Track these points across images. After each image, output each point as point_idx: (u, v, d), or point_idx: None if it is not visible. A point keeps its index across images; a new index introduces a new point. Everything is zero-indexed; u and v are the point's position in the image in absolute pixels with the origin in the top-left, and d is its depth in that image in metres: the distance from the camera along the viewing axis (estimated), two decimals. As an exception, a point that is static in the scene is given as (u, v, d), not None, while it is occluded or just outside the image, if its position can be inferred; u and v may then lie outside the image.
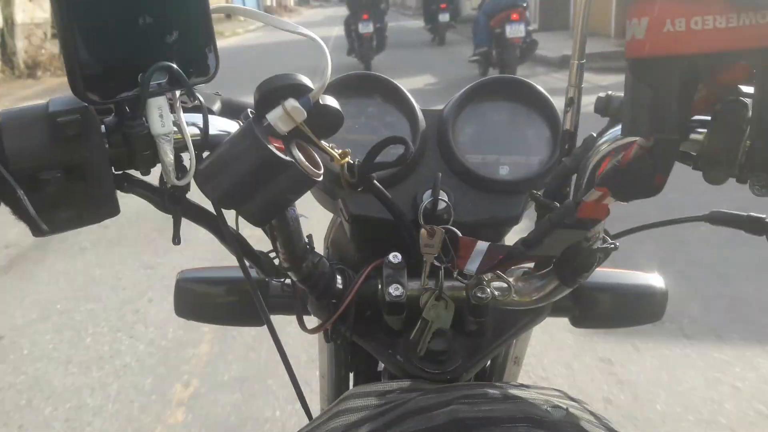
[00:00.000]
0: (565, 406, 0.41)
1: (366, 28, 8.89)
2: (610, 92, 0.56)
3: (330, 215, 0.81)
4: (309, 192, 0.66)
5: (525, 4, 7.19)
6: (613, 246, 0.57)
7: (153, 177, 0.48)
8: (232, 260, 0.58)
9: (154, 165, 0.45)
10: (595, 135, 0.55)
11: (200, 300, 0.77)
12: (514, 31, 6.96)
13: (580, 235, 0.53)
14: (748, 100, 0.42)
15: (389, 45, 9.94)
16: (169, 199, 0.47)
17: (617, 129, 0.54)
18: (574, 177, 0.58)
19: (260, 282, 0.76)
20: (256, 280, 0.76)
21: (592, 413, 0.42)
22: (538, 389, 0.45)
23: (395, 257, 0.62)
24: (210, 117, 0.48)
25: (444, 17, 10.58)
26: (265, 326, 0.77)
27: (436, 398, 0.41)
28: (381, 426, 0.40)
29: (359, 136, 0.68)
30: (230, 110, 0.55)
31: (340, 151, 0.52)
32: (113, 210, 0.45)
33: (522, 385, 0.46)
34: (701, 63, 0.38)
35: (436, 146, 0.68)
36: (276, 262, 0.60)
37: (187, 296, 0.77)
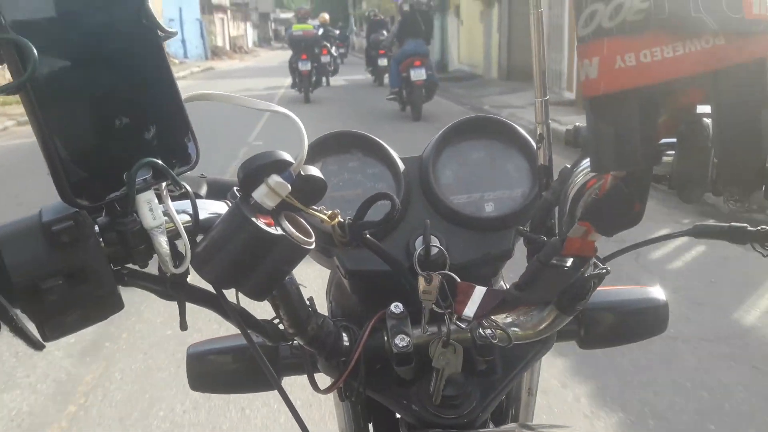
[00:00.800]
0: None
1: (305, 66, 10.98)
2: (577, 124, 0.58)
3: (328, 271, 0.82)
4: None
5: (426, 53, 9.10)
6: (605, 271, 0.58)
7: (152, 266, 0.49)
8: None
9: (150, 257, 0.46)
10: (569, 166, 0.57)
11: (213, 372, 0.78)
12: (417, 74, 8.64)
13: (571, 276, 0.53)
14: (708, 120, 0.44)
15: (335, 84, 13.04)
16: (171, 287, 0.48)
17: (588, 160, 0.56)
18: (557, 210, 0.59)
19: (269, 347, 0.76)
20: (266, 346, 0.77)
21: None
22: (555, 427, 0.46)
23: (396, 307, 0.63)
24: (198, 201, 0.49)
25: (382, 62, 12.24)
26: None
27: None
28: None
29: (345, 193, 0.70)
30: (217, 190, 0.56)
31: (329, 212, 0.54)
32: (117, 305, 0.46)
33: (540, 425, 0.47)
34: (656, 92, 0.40)
35: (421, 191, 0.70)
36: (281, 327, 0.61)
37: (200, 369, 0.77)
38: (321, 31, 12.65)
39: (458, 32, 15.56)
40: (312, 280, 0.61)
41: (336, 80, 14.32)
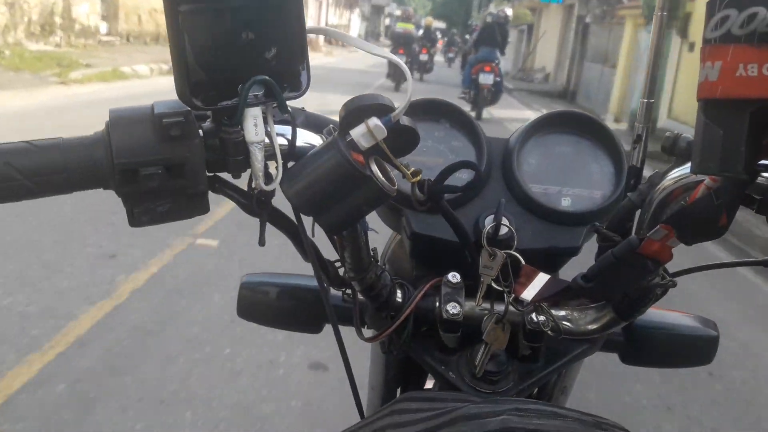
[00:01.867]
0: (618, 427, 0.42)
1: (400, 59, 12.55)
2: (677, 132, 0.58)
3: (386, 237, 0.84)
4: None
5: (497, 62, 10.13)
6: (671, 283, 0.58)
7: (241, 183, 0.52)
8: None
9: (244, 170, 0.49)
10: (661, 173, 0.57)
11: (261, 304, 0.81)
12: (485, 79, 9.78)
13: (641, 276, 0.53)
14: None
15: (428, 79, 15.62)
16: (257, 203, 0.50)
17: (683, 168, 0.55)
18: (638, 213, 0.59)
19: (318, 293, 0.79)
20: (316, 289, 0.79)
21: None
22: (589, 415, 0.47)
23: (454, 277, 0.64)
24: (296, 130, 0.51)
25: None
26: (320, 334, 0.80)
27: (488, 408, 0.42)
28: (432, 427, 0.42)
29: (426, 159, 0.71)
30: (313, 124, 0.58)
31: (412, 169, 0.55)
32: (204, 208, 0.49)
33: (572, 409, 0.48)
34: None
35: (500, 174, 0.71)
36: (341, 272, 0.63)
37: (250, 299, 0.81)
38: (421, 32, 14.89)
39: (678, 62, 9.58)
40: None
41: (430, 77, 16.40)
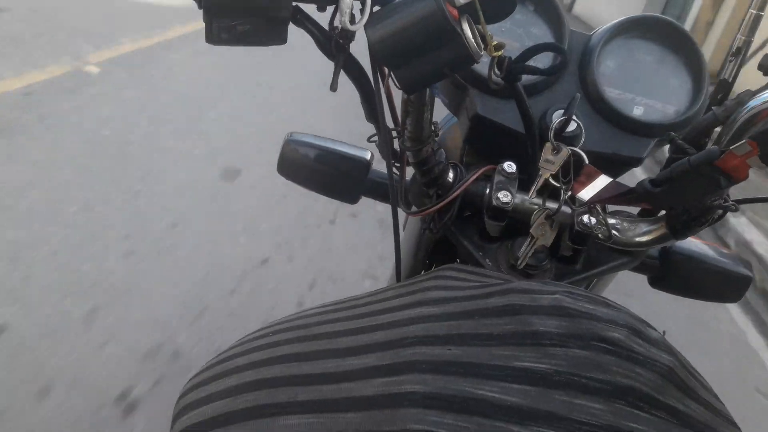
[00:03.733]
0: (662, 332, 0.42)
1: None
2: None
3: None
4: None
5: None
6: (733, 207, 0.56)
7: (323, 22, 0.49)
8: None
9: (331, 3, 0.46)
10: (752, 91, 0.54)
11: (302, 165, 0.80)
12: None
13: (712, 189, 0.52)
14: None
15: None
16: (335, 45, 0.48)
17: None
18: (716, 132, 0.57)
19: (364, 162, 0.78)
20: (363, 160, 0.78)
21: (682, 355, 0.43)
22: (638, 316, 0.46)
23: (510, 166, 0.63)
24: None
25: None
26: (354, 205, 0.80)
27: (540, 286, 0.42)
28: (483, 293, 0.41)
29: (503, 40, 0.67)
30: None
31: (496, 41, 0.52)
32: (282, 38, 0.47)
33: (619, 304, 0.47)
34: None
35: (576, 70, 0.68)
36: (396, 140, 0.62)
37: (292, 157, 0.80)
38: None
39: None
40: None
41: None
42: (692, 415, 0.35)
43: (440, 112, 0.82)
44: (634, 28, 0.68)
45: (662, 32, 0.68)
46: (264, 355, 0.43)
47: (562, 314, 0.38)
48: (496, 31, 0.68)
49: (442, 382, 0.34)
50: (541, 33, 0.68)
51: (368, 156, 0.78)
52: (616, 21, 0.68)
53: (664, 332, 0.41)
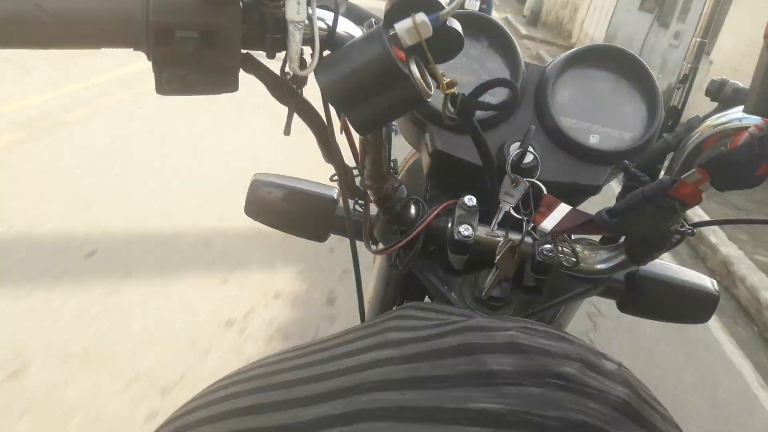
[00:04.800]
0: (617, 364, 0.42)
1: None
2: (724, 77, 0.56)
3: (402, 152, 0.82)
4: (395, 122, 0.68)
5: None
6: (690, 231, 0.57)
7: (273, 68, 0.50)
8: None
9: (280, 50, 0.47)
10: (701, 117, 0.55)
11: (269, 205, 0.80)
12: (470, 5, 8.99)
13: (668, 217, 0.52)
14: None
15: None
16: (287, 90, 0.49)
17: (725, 114, 0.54)
18: (669, 158, 0.58)
19: (331, 200, 0.78)
20: (329, 198, 0.78)
21: (641, 384, 0.43)
22: (594, 348, 0.46)
23: (470, 200, 0.64)
24: (338, 17, 0.49)
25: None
26: (324, 244, 0.80)
27: (496, 322, 0.42)
28: (439, 333, 0.41)
29: (459, 76, 0.68)
30: (354, 16, 0.56)
31: (448, 79, 0.53)
32: (233, 85, 0.47)
33: (577, 337, 0.48)
34: None
35: (532, 101, 0.69)
36: (357, 182, 0.62)
37: (259, 198, 0.80)
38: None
39: None
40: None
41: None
42: None
43: (406, 147, 0.83)
44: (587, 57, 0.70)
45: (616, 60, 0.70)
46: (222, 408, 0.42)
47: (517, 351, 0.38)
48: (452, 67, 0.69)
49: (397, 429, 0.34)
50: (497, 67, 0.70)
51: (335, 194, 0.79)
52: (569, 52, 0.70)
53: (620, 364, 0.42)
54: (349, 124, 0.51)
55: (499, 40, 0.70)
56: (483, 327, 0.41)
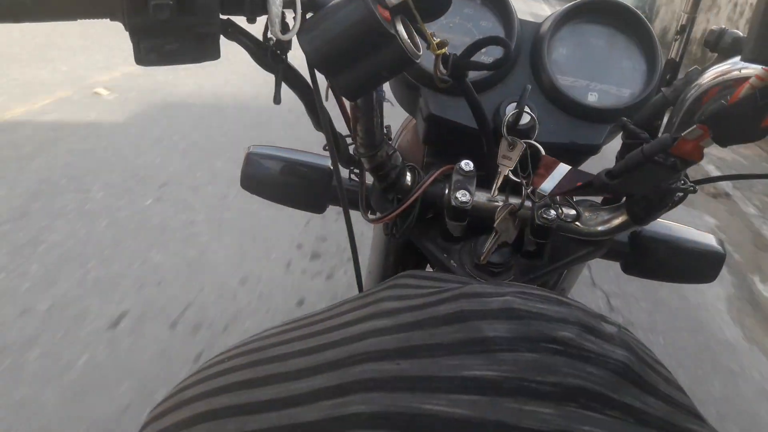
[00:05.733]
0: (617, 326, 0.41)
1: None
2: (723, 26, 0.54)
3: (397, 123, 0.81)
4: (388, 89, 0.66)
5: None
6: (692, 188, 0.56)
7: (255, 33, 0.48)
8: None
9: (260, 14, 0.45)
10: (700, 69, 0.53)
11: (265, 177, 0.79)
12: None
13: (669, 176, 0.51)
14: None
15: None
16: (272, 57, 0.47)
17: (724, 65, 0.52)
18: (668, 112, 0.56)
19: (327, 170, 0.77)
20: (325, 168, 0.77)
21: (642, 346, 0.42)
22: (592, 310, 0.45)
23: (467, 164, 0.62)
24: None
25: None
26: (323, 215, 0.79)
27: (491, 288, 0.41)
28: (433, 301, 0.41)
29: (452, 36, 0.66)
30: None
31: (438, 39, 0.51)
32: (215, 53, 0.45)
33: (576, 301, 0.46)
34: None
35: (527, 60, 0.67)
36: (351, 150, 0.61)
37: (255, 170, 0.78)
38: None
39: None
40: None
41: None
42: (649, 412, 0.34)
43: (403, 114, 0.81)
44: (583, 12, 0.68)
45: (612, 14, 0.68)
46: (218, 383, 0.42)
47: (512, 317, 0.37)
48: (444, 28, 0.67)
49: (390, 399, 0.33)
50: (491, 26, 0.68)
51: (331, 164, 0.77)
52: (565, 7, 0.67)
53: (620, 326, 0.41)
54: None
55: None
56: (478, 293, 0.40)
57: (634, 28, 0.67)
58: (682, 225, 0.79)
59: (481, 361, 0.34)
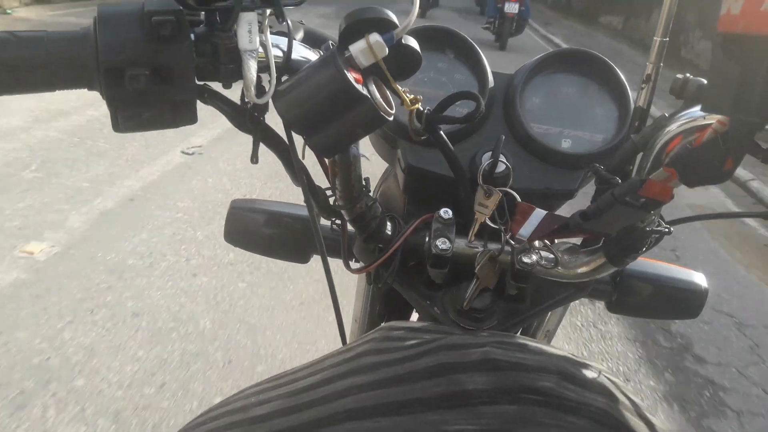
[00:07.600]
0: (598, 371, 0.42)
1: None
2: (688, 75, 0.56)
3: (379, 172, 0.82)
4: (368, 140, 0.68)
5: None
6: (667, 230, 0.57)
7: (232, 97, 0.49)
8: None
9: (236, 79, 0.46)
10: (667, 116, 0.55)
11: (249, 230, 0.80)
12: (510, 8, 9.61)
13: (641, 216, 0.52)
14: None
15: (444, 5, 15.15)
16: (250, 119, 0.48)
17: (690, 111, 0.54)
18: (639, 156, 0.58)
19: (306, 223, 0.78)
20: (307, 218, 0.78)
21: (625, 390, 0.42)
22: (575, 354, 0.46)
23: (446, 213, 0.63)
24: (293, 43, 0.49)
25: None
26: (307, 265, 0.80)
27: (471, 339, 0.42)
28: (414, 354, 0.41)
29: (427, 90, 0.68)
30: (311, 40, 0.56)
31: (411, 96, 0.53)
32: (192, 118, 0.47)
33: (557, 348, 0.47)
34: None
35: (501, 110, 0.69)
36: (330, 201, 0.62)
37: (238, 224, 0.79)
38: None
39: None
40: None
41: (447, 2, 16.00)
42: None
43: (383, 164, 0.83)
44: (555, 63, 0.70)
45: (583, 63, 0.70)
46: None
47: (491, 368, 0.37)
48: (419, 82, 0.69)
49: None
50: (464, 78, 0.70)
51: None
52: (535, 59, 0.70)
53: (600, 371, 0.41)
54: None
55: (465, 52, 0.70)
56: (457, 345, 0.41)
57: (606, 76, 0.69)
58: (665, 263, 0.81)
59: (461, 415, 0.34)
